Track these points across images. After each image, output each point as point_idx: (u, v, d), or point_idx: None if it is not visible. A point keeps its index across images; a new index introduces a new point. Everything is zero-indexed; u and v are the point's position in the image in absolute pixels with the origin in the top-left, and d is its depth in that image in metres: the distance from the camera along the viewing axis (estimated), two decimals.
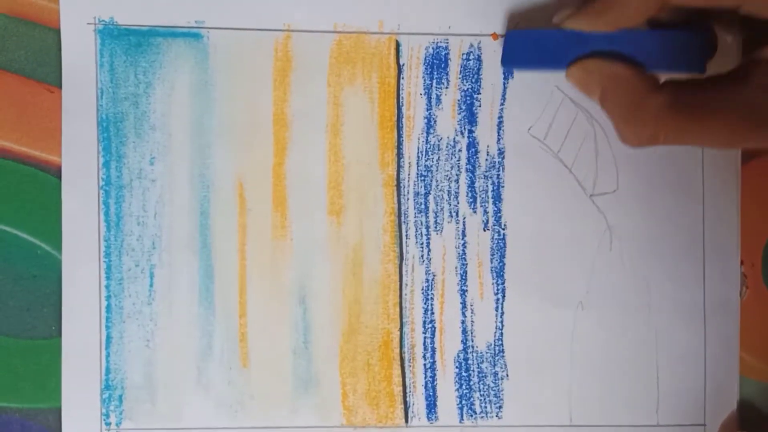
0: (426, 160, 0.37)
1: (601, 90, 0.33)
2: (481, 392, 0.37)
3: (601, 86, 0.33)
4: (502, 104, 0.37)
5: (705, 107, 0.29)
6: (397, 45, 0.36)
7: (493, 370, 0.37)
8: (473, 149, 0.37)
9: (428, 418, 0.37)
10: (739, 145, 0.34)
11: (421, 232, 0.37)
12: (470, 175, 0.37)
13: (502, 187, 0.37)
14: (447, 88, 0.37)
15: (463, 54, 0.37)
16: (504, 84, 0.37)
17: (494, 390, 0.37)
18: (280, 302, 0.36)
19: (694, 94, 0.29)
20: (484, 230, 0.37)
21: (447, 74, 0.37)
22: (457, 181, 0.37)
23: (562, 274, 0.37)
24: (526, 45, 0.35)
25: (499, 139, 0.37)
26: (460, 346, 0.37)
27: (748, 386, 0.37)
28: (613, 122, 0.32)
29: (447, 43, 0.37)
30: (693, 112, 0.29)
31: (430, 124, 0.37)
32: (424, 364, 0.37)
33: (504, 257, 0.37)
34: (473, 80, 0.37)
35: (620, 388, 0.37)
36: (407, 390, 0.37)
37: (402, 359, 0.37)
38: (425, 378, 0.37)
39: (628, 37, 0.33)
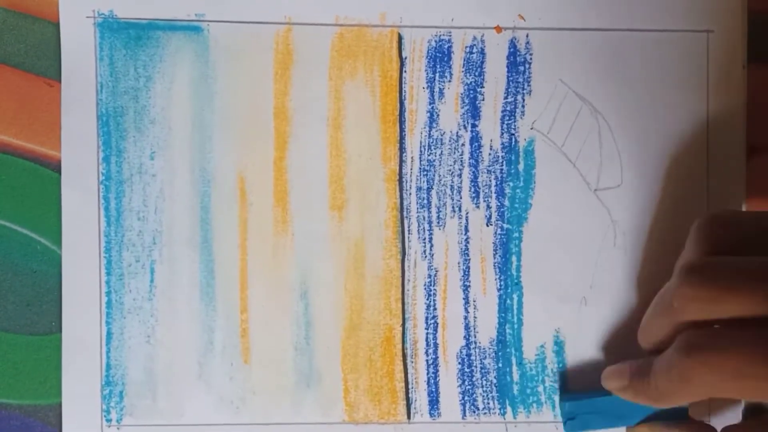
0: (428, 155, 0.36)
1: None
2: (484, 388, 0.36)
3: None
4: (505, 98, 0.36)
5: None
6: (400, 38, 0.36)
7: (496, 366, 0.36)
8: (476, 143, 0.36)
9: (431, 415, 0.36)
10: None
11: (424, 228, 0.36)
12: (473, 169, 0.36)
13: (506, 182, 0.36)
14: (450, 81, 0.36)
15: (466, 47, 0.36)
16: (507, 77, 0.36)
17: (497, 386, 0.36)
18: (281, 298, 0.36)
19: None
20: (487, 225, 0.36)
21: (450, 67, 0.36)
22: (459, 175, 0.36)
23: (566, 269, 0.36)
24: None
25: (502, 134, 0.36)
26: (463, 342, 0.36)
27: None
28: None
29: (450, 36, 0.36)
30: None
31: (432, 118, 0.36)
32: (427, 360, 0.36)
33: (507, 253, 0.36)
34: (476, 74, 0.36)
35: None
36: (409, 386, 0.36)
37: (404, 355, 0.36)
38: (427, 374, 0.36)
39: None
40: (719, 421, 0.37)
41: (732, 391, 0.28)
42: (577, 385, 0.36)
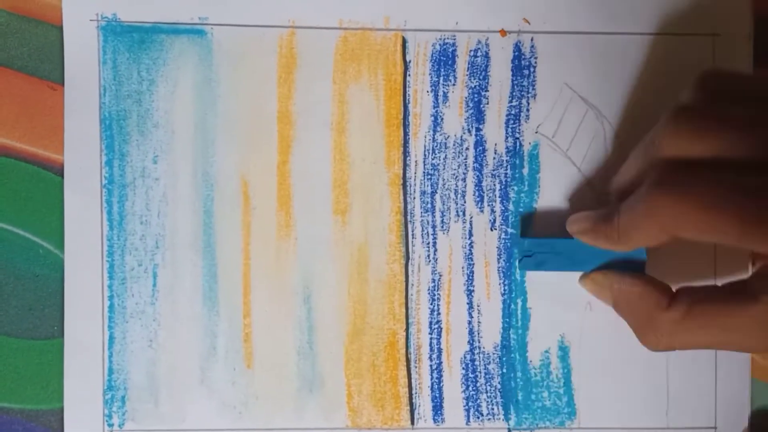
0: (433, 159, 0.36)
1: (613, 302, 0.33)
2: (488, 394, 0.36)
3: (612, 299, 0.33)
4: (510, 102, 0.36)
5: (717, 324, 0.29)
6: (404, 41, 0.36)
7: (500, 372, 0.36)
8: (480, 147, 0.36)
9: (434, 420, 0.36)
10: (753, 352, 0.35)
11: (428, 232, 0.36)
12: (477, 173, 0.36)
13: (510, 186, 0.36)
14: (454, 85, 0.36)
15: (470, 51, 0.36)
16: (512, 81, 0.36)
17: (501, 391, 0.36)
18: (284, 302, 0.36)
19: (705, 309, 0.29)
20: (492, 230, 0.36)
21: (454, 71, 0.36)
22: (464, 179, 0.36)
23: (570, 274, 0.36)
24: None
25: (506, 138, 0.36)
26: (467, 347, 0.36)
27: (759, 389, 0.37)
28: (630, 327, 0.32)
29: (454, 39, 0.36)
30: (705, 326, 0.29)
31: (436, 121, 0.36)
32: (431, 365, 0.36)
33: (511, 257, 0.36)
34: (481, 77, 0.36)
35: (629, 390, 0.36)
36: (413, 391, 0.36)
37: (408, 360, 0.36)
38: (431, 379, 0.36)
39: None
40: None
41: (693, 227, 0.27)
42: (586, 388, 0.36)
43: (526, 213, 0.36)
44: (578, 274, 0.35)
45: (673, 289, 0.31)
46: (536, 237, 0.36)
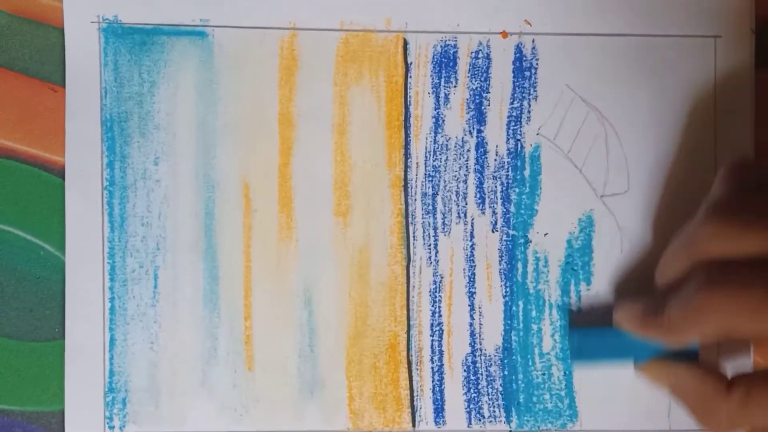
0: (434, 160, 0.36)
1: (671, 388, 0.33)
2: (490, 396, 0.36)
3: (670, 388, 0.33)
4: (511, 103, 0.36)
5: None
6: (405, 43, 0.36)
7: (502, 374, 0.36)
8: (482, 149, 0.36)
9: (436, 422, 0.36)
10: None
11: (429, 234, 0.36)
12: (479, 175, 0.36)
13: (511, 188, 0.36)
14: (455, 87, 0.36)
15: (471, 52, 0.36)
16: (513, 83, 0.36)
17: (503, 394, 0.36)
18: (285, 304, 0.36)
19: (764, 395, 0.29)
20: (493, 231, 0.36)
21: (455, 73, 0.36)
22: (465, 181, 0.36)
23: (572, 276, 0.36)
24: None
25: (508, 139, 0.36)
26: (468, 349, 0.36)
27: None
28: (690, 414, 0.32)
29: (455, 41, 0.36)
30: (766, 412, 0.29)
31: (438, 123, 0.36)
32: (432, 367, 0.36)
33: (513, 259, 0.36)
34: (482, 79, 0.36)
35: (631, 392, 0.36)
36: (414, 393, 0.36)
37: (409, 362, 0.36)
38: (433, 381, 0.36)
39: None
40: (729, 369, 0.36)
41: (746, 325, 0.28)
42: (587, 390, 0.36)
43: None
44: None
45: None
46: (583, 327, 0.36)
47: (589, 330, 0.35)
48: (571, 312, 0.36)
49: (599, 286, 0.36)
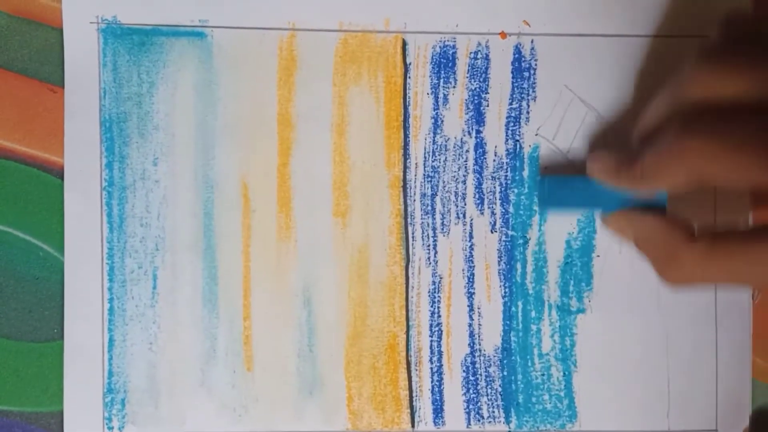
0: (433, 161, 0.36)
1: (635, 239, 0.33)
2: (489, 396, 0.36)
3: (635, 236, 0.33)
4: (510, 104, 0.36)
5: (741, 255, 0.29)
6: (404, 44, 0.36)
7: (501, 374, 0.36)
8: (481, 150, 0.36)
9: (435, 423, 0.36)
10: None
11: (428, 234, 0.36)
12: (478, 176, 0.36)
13: (510, 188, 0.36)
14: (454, 87, 0.36)
15: (470, 53, 0.36)
16: (512, 83, 0.36)
17: (502, 394, 0.36)
18: (284, 304, 0.36)
19: (730, 242, 0.29)
20: (492, 232, 0.36)
21: (454, 73, 0.36)
22: (464, 182, 0.36)
23: (571, 277, 0.36)
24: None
25: (507, 140, 0.36)
26: (467, 350, 0.36)
27: (761, 390, 0.37)
28: (651, 265, 0.32)
29: (454, 41, 0.36)
30: (729, 258, 0.29)
31: (437, 124, 0.36)
32: (431, 368, 0.36)
33: (512, 260, 0.36)
34: (481, 79, 0.36)
35: (630, 393, 0.36)
36: (413, 394, 0.36)
37: (408, 363, 0.36)
38: (432, 382, 0.36)
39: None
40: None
41: (721, 171, 0.27)
42: (586, 391, 0.36)
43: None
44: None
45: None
46: (554, 174, 0.35)
47: (560, 178, 0.35)
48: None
49: (598, 285, 0.36)
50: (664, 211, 0.33)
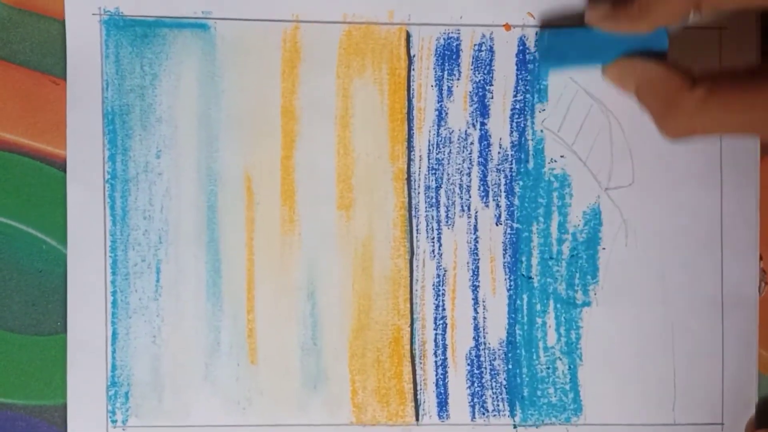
0: (437, 153, 0.36)
1: (636, 87, 0.33)
2: (494, 390, 0.36)
3: (636, 84, 0.33)
4: (514, 96, 0.36)
5: (741, 100, 0.28)
6: (408, 36, 0.36)
7: (506, 368, 0.36)
8: (485, 142, 0.36)
9: (439, 416, 0.36)
10: None
11: (432, 227, 0.36)
12: (482, 168, 0.36)
13: (515, 180, 0.36)
14: (458, 79, 0.36)
15: (475, 45, 0.36)
16: (517, 75, 0.36)
17: (507, 388, 0.36)
18: (288, 298, 0.36)
19: (729, 87, 0.29)
20: (497, 225, 0.36)
21: (458, 65, 0.36)
22: (468, 174, 0.36)
23: (576, 269, 0.36)
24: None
25: (511, 132, 0.36)
26: (472, 343, 0.36)
27: (767, 383, 0.36)
28: (651, 116, 0.32)
29: (458, 33, 0.36)
30: (729, 105, 0.29)
31: (441, 116, 0.36)
32: (435, 361, 0.36)
33: (517, 252, 0.36)
34: (485, 71, 0.36)
35: (635, 386, 0.36)
36: (418, 387, 0.36)
37: (413, 356, 0.36)
38: (436, 375, 0.36)
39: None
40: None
41: None
42: (592, 384, 0.36)
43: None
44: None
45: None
46: (553, 28, 0.35)
47: (560, 30, 0.35)
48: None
49: (604, 277, 0.36)
50: (665, 59, 0.33)
